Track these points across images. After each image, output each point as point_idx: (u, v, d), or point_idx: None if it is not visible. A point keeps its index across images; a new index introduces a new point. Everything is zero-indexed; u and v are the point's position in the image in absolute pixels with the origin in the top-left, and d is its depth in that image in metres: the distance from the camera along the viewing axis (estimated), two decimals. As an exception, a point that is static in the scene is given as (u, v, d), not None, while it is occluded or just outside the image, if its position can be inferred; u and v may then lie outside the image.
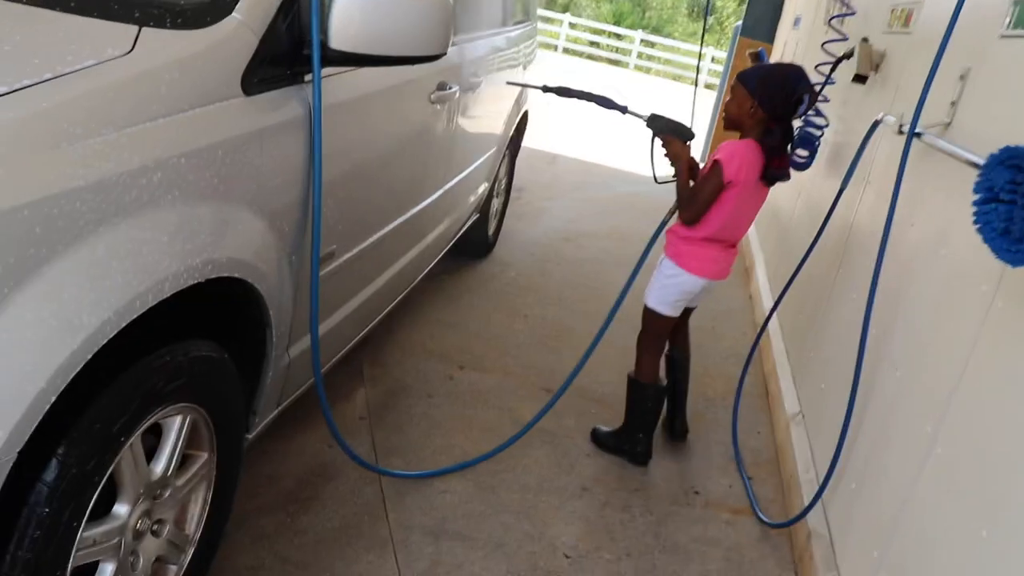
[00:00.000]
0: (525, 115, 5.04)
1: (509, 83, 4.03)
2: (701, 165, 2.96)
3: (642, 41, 26.45)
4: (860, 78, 3.52)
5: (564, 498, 2.84)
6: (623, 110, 3.02)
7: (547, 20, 26.63)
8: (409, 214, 2.90)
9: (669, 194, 2.96)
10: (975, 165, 1.98)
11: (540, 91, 3.19)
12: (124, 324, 1.42)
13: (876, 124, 2.90)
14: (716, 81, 16.26)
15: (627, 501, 2.88)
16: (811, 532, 2.59)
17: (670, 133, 2.93)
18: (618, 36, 27.88)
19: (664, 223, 3.06)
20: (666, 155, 2.95)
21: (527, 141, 5.56)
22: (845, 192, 3.10)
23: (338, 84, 2.16)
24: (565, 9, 30.13)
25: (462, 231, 4.14)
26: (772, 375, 3.85)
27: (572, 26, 26.97)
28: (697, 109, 5.20)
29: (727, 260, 2.99)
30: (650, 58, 26.54)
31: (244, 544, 2.35)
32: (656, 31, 29.92)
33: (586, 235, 5.92)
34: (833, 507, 2.57)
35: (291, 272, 2.06)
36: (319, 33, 1.94)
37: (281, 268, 1.99)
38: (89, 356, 1.36)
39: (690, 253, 2.93)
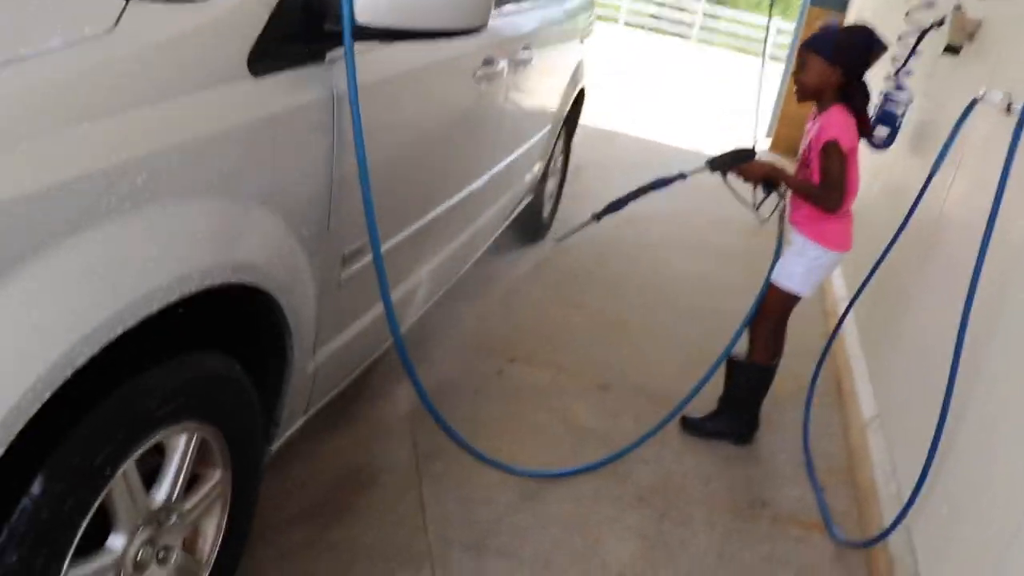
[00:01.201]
0: (582, 92, 4.77)
1: (558, 240, 4.00)
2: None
3: (705, 13, 25.78)
4: (952, 49, 3.20)
5: (619, 510, 2.61)
6: (682, 177, 2.86)
7: (608, -8, 26.10)
8: (452, 201, 2.68)
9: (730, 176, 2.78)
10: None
11: (595, 222, 3.00)
12: (100, 346, 1.22)
13: (974, 102, 2.59)
14: (782, 54, 15.74)
15: (688, 514, 2.65)
16: (893, 558, 2.33)
17: (738, 163, 2.84)
18: (680, 8, 27.24)
19: (779, 245, 2.99)
20: (753, 182, 2.86)
21: (585, 119, 5.30)
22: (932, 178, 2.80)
23: (365, 63, 1.94)
24: (627, -20, 29.54)
25: (514, 214, 3.91)
26: (846, 373, 3.57)
27: (634, -2, 26.40)
28: (763, 83, 4.89)
29: (852, 226, 2.91)
30: (713, 30, 25.85)
31: (269, 561, 2.17)
32: (720, 2, 29.17)
33: (647, 219, 5.61)
34: (920, 531, 2.30)
35: (314, 273, 1.86)
36: (351, 6, 1.72)
37: (300, 270, 1.79)
38: (57, 384, 1.16)
39: (835, 231, 2.84)
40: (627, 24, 25.15)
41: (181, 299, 1.40)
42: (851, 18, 7.46)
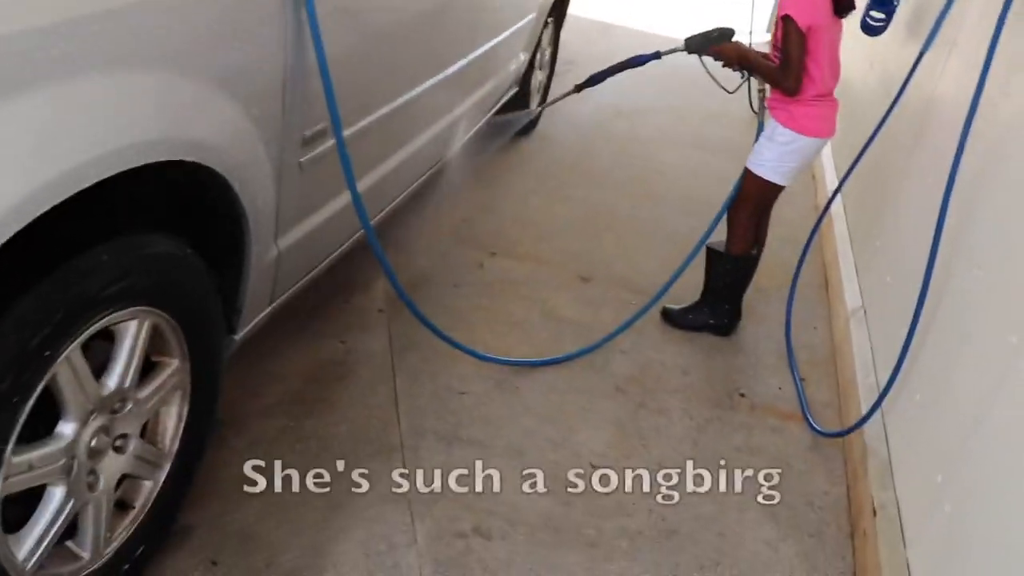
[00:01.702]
0: (570, -22, 4.61)
1: (541, 108, 3.98)
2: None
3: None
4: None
5: (594, 399, 2.60)
6: (657, 55, 2.83)
7: None
8: (424, 86, 2.58)
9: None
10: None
11: (576, 94, 3.05)
12: (28, 220, 1.17)
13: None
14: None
15: (664, 404, 2.63)
16: (867, 447, 2.32)
17: (713, 44, 2.75)
18: None
19: (759, 130, 2.89)
20: (726, 65, 2.79)
21: (577, 9, 5.14)
22: (925, 58, 2.70)
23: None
24: None
25: (499, 105, 3.80)
26: (833, 265, 3.52)
27: None
28: None
29: (835, 112, 2.80)
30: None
31: (240, 451, 2.16)
32: None
33: (641, 111, 5.50)
34: (894, 419, 2.29)
35: (270, 154, 1.79)
36: None
37: (254, 150, 1.72)
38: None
39: (805, 114, 2.71)
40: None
41: (121, 174, 1.34)
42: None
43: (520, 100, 4.23)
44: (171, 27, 1.42)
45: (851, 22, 2.74)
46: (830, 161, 4.64)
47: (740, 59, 2.74)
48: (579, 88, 2.98)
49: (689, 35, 2.78)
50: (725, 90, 2.87)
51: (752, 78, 2.83)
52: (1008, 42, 1.99)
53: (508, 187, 3.91)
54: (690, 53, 2.78)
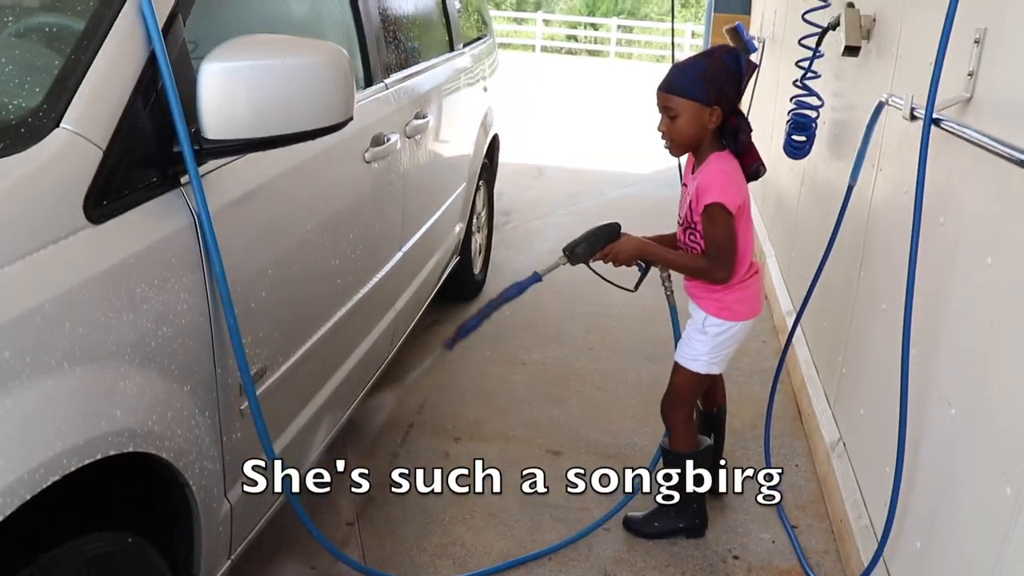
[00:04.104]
0: (495, 138, 4.67)
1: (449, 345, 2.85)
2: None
3: (619, 27, 26.07)
4: (851, 50, 3.12)
5: (586, 589, 2.46)
6: (537, 278, 2.46)
7: (520, 21, 26.30)
8: (362, 294, 2.52)
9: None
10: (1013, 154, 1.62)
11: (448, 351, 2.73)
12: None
13: (881, 106, 2.51)
14: (699, 57, 15.84)
15: (659, 580, 2.50)
16: (877, 601, 2.21)
17: (601, 247, 2.42)
18: (594, 26, 27.53)
19: (674, 322, 2.68)
20: (624, 264, 2.46)
21: (508, 156, 5.20)
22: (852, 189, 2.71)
23: (232, 175, 1.80)
24: (537, 7, 29.80)
25: (440, 282, 3.76)
26: (802, 392, 3.46)
27: (546, 23, 26.68)
28: None
29: (761, 283, 2.58)
30: (630, 43, 26.14)
31: None
32: (632, 15, 29.50)
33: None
34: (898, 568, 2.18)
35: (205, 418, 1.70)
36: (185, 127, 1.58)
37: (189, 419, 1.62)
38: None
39: (737, 300, 2.48)
40: (544, 50, 25.37)
41: (55, 484, 1.24)
42: (755, 22, 7.46)
43: (463, 268, 4.21)
44: (82, 318, 1.34)
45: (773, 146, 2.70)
46: (778, 275, 4.65)
47: (640, 257, 2.45)
48: (450, 345, 2.62)
49: (570, 243, 2.44)
50: (626, 289, 2.55)
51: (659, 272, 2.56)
52: (930, 169, 1.97)
53: (463, 359, 3.83)
54: (573, 264, 2.45)
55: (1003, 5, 1.86)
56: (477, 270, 4.56)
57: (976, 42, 1.96)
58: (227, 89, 1.62)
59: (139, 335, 1.47)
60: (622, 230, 2.46)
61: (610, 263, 2.45)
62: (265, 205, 1.93)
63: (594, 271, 2.48)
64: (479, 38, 4.63)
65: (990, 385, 1.75)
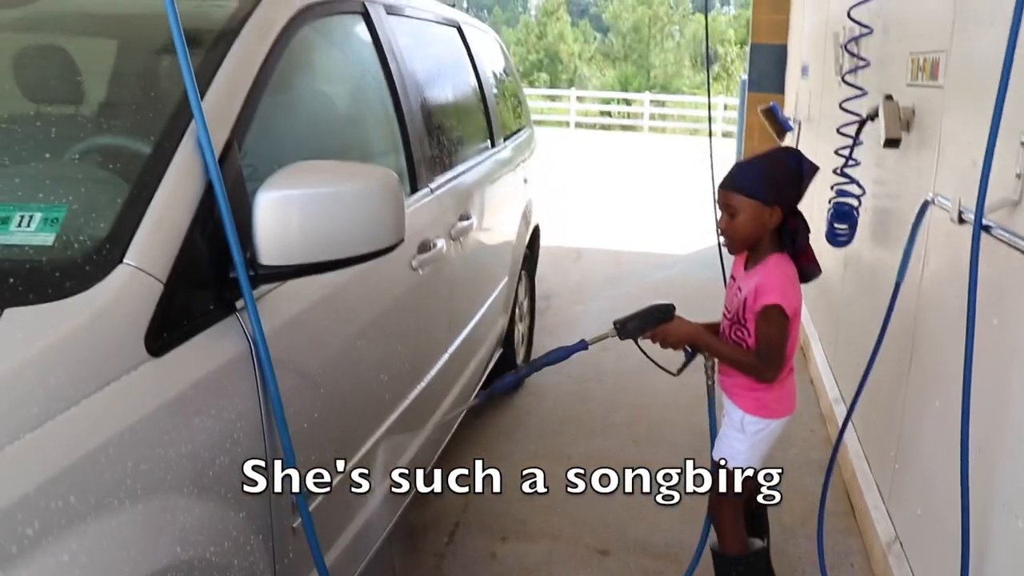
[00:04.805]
0: (536, 230, 4.71)
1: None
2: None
3: (652, 101, 26.36)
4: (892, 142, 3.12)
5: None
6: (584, 346, 2.41)
7: (554, 98, 26.68)
8: (411, 397, 2.54)
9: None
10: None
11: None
12: None
13: (926, 205, 2.50)
14: (733, 128, 15.98)
15: None
16: None
17: (652, 326, 2.38)
18: (627, 101, 27.90)
19: (712, 418, 2.63)
20: (672, 347, 2.42)
21: (547, 239, 5.23)
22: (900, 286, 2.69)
23: (285, 296, 1.83)
24: (570, 84, 30.28)
25: (486, 374, 3.76)
26: (853, 485, 3.39)
27: (580, 100, 27.05)
28: (716, 160, 4.79)
29: (795, 382, 2.55)
30: (663, 117, 26.39)
31: None
32: (664, 89, 29.92)
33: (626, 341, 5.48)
34: None
35: (260, 538, 1.70)
36: (241, 255, 1.62)
37: (245, 544, 1.63)
38: None
39: (776, 399, 2.46)
40: (578, 126, 25.69)
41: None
42: (788, 100, 7.50)
43: (506, 359, 4.21)
44: (144, 453, 1.36)
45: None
46: (823, 360, 4.60)
47: (691, 342, 2.42)
48: (483, 398, 2.68)
49: (622, 317, 2.41)
50: (668, 372, 2.49)
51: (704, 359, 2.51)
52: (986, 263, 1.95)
53: (508, 456, 3.80)
54: (623, 339, 2.40)
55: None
56: (520, 361, 4.56)
57: (1023, 144, 1.96)
58: (281, 217, 1.66)
59: (197, 466, 1.48)
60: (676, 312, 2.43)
61: (657, 343, 2.42)
62: (315, 325, 1.96)
63: (641, 349, 2.44)
64: (519, 130, 4.70)
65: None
